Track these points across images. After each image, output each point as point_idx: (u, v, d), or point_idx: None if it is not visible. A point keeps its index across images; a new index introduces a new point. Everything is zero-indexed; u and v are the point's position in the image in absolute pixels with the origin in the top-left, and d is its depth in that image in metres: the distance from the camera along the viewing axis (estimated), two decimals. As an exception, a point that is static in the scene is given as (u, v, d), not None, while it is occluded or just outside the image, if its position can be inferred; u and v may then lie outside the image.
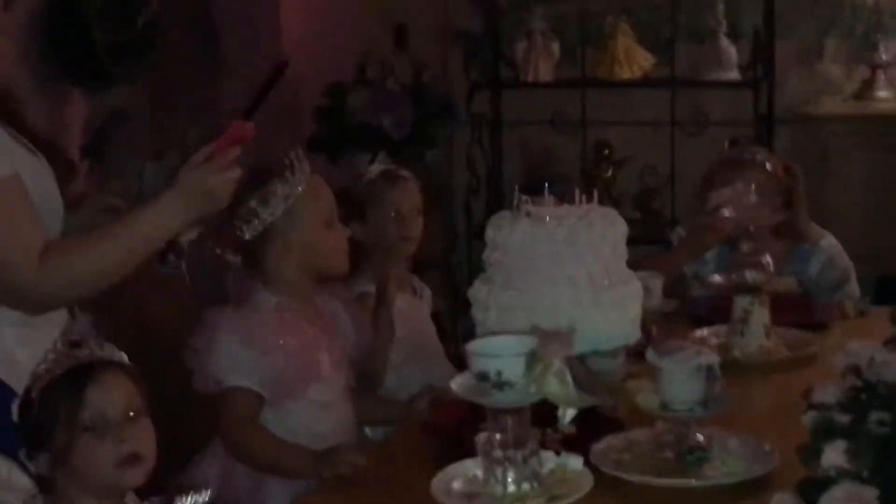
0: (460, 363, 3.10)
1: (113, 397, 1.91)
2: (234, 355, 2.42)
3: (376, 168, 3.08)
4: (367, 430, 2.76)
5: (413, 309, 2.99)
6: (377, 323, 2.79)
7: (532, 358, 1.58)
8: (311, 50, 5.09)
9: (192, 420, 2.61)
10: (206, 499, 1.11)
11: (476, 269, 5.05)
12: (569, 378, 1.59)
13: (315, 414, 2.49)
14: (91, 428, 1.89)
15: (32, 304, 2.09)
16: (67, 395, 1.88)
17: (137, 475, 1.90)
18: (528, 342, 1.60)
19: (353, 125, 5.08)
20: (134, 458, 1.91)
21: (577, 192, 2.39)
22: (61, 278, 2.07)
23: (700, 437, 2.18)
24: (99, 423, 1.89)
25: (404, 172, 3.09)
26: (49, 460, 1.88)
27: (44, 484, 1.91)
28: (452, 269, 5.17)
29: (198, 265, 2.85)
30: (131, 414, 1.93)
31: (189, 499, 1.23)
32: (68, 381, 1.89)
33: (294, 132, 5.12)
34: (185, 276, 2.78)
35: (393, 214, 2.95)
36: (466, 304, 4.64)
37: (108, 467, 1.89)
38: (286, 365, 2.44)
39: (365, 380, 2.77)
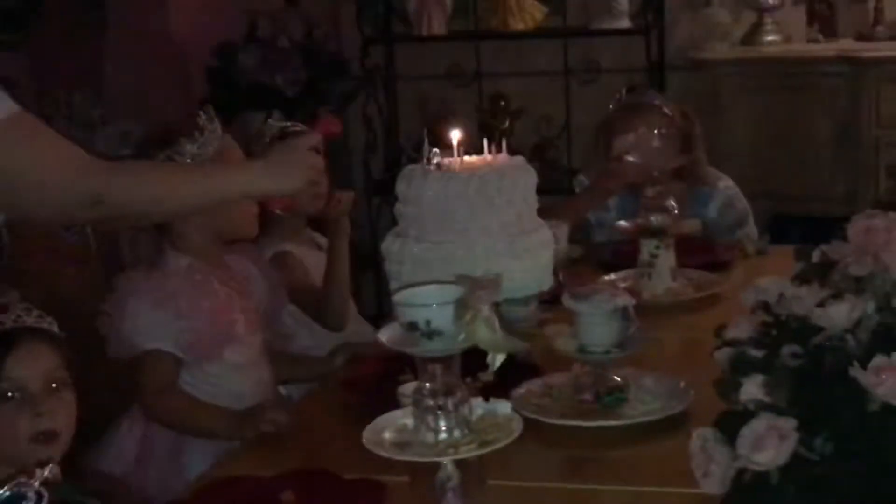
0: (370, 319, 3.14)
1: (34, 368, 1.89)
2: (148, 319, 2.39)
3: (273, 127, 3.04)
4: (282, 389, 2.76)
5: (321, 265, 2.98)
6: (333, 255, 2.80)
7: (460, 306, 1.59)
8: (199, 9, 5.03)
9: (107, 389, 2.59)
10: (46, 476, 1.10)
11: (377, 225, 5.07)
12: (497, 324, 1.61)
13: (232, 375, 2.48)
14: (10, 398, 1.86)
15: (91, 214, 2.01)
16: None
17: (51, 451, 1.87)
18: (456, 291, 1.61)
19: (244, 85, 5.03)
20: (50, 434, 1.88)
21: (485, 142, 2.40)
22: (128, 191, 2.00)
23: (617, 379, 2.22)
24: (18, 394, 1.86)
25: (302, 128, 3.07)
26: None
27: None
28: (353, 225, 5.15)
29: (105, 233, 2.82)
30: (53, 386, 1.90)
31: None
32: None
33: (185, 93, 5.05)
34: (92, 243, 2.76)
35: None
36: (367, 261, 4.65)
37: (22, 440, 1.86)
38: (200, 327, 2.42)
39: (328, 319, 2.82)
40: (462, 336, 1.60)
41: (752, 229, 3.46)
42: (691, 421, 2.08)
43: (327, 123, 2.19)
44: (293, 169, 2.09)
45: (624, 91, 3.50)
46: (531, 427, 2.12)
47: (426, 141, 2.39)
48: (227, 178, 2.17)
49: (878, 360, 1.73)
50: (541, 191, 3.76)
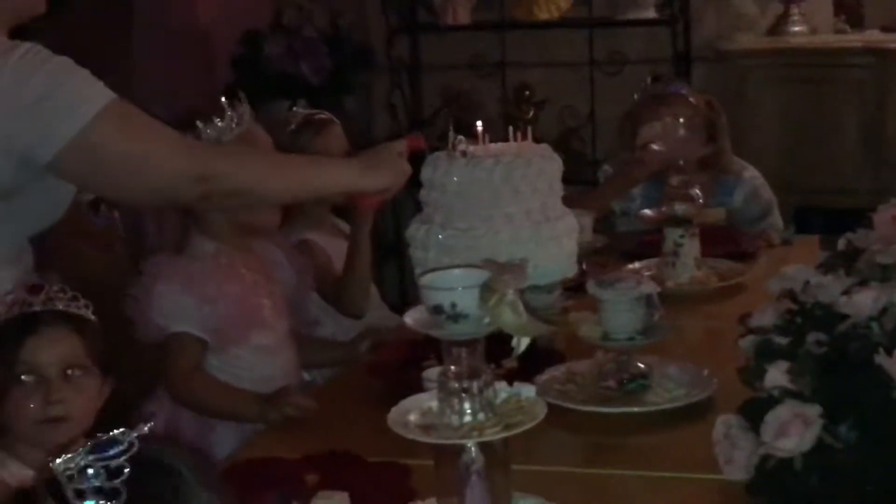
0: (393, 307, 3.15)
1: (52, 354, 1.89)
2: (175, 302, 2.41)
3: (298, 115, 3.06)
4: (306, 375, 2.77)
5: (344, 253, 2.99)
6: (354, 244, 2.82)
7: (485, 290, 1.59)
8: (224, -4, 5.05)
9: (132, 373, 2.60)
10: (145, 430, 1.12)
11: (400, 213, 5.07)
12: (521, 308, 1.61)
13: (259, 359, 2.49)
14: (22, 382, 1.86)
15: (195, 193, 2.05)
16: (6, 343, 1.86)
17: (59, 434, 1.87)
18: (482, 274, 1.61)
19: (270, 73, 5.04)
20: (59, 420, 1.89)
21: (510, 130, 2.41)
22: (231, 172, 2.06)
23: (641, 366, 2.23)
24: (31, 378, 1.87)
25: (327, 116, 3.08)
26: None
27: None
28: (376, 215, 5.16)
29: (134, 216, 2.84)
30: (69, 372, 1.90)
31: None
32: (12, 328, 1.87)
33: (211, 81, 5.07)
34: (119, 227, 2.78)
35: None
36: (391, 249, 4.65)
37: (31, 423, 1.87)
38: (227, 311, 2.43)
39: (347, 306, 2.84)
40: (487, 320, 1.60)
41: (777, 219, 3.46)
42: (715, 408, 2.09)
43: (414, 139, 2.26)
44: (385, 168, 2.18)
45: (649, 80, 3.50)
46: (555, 413, 2.11)
47: (451, 128, 2.40)
48: (326, 171, 2.25)
49: (903, 347, 1.73)
50: (564, 181, 3.75)
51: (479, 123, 2.39)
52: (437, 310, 1.62)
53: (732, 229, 3.24)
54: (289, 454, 2.03)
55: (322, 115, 3.05)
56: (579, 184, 3.90)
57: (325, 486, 1.87)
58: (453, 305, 1.60)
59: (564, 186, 3.22)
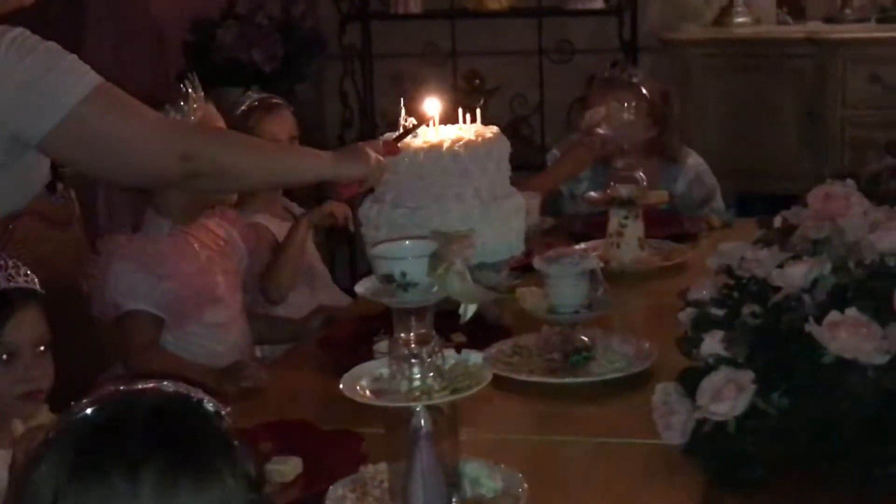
0: (345, 290, 3.21)
1: (28, 333, 1.93)
2: (131, 280, 2.46)
3: (250, 97, 3.10)
4: (259, 351, 2.82)
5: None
6: (292, 232, 2.88)
7: (434, 259, 1.66)
8: (177, -16, 5.07)
9: (87, 350, 2.65)
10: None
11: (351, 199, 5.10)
12: (468, 277, 1.68)
13: (213, 334, 2.55)
14: (5, 361, 1.90)
15: (180, 172, 2.11)
16: None
17: (31, 407, 1.92)
18: (431, 245, 1.68)
19: (222, 60, 5.07)
20: (34, 394, 1.93)
21: (461, 113, 2.48)
22: (216, 153, 2.14)
23: (585, 339, 2.30)
24: (13, 357, 1.91)
25: (277, 100, 3.12)
26: None
27: None
28: (325, 200, 5.22)
29: (88, 195, 2.88)
30: (41, 349, 1.95)
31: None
32: None
33: (162, 68, 5.09)
34: (76, 206, 2.82)
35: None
36: (341, 234, 4.72)
37: (9, 398, 1.91)
38: (182, 289, 2.49)
39: (270, 289, 2.86)
40: (436, 288, 1.67)
41: (719, 204, 3.56)
42: (655, 379, 2.15)
43: (390, 145, 2.33)
44: (360, 158, 2.26)
45: (608, 66, 3.57)
46: (502, 384, 2.22)
47: (402, 110, 2.47)
48: (303, 159, 2.34)
49: (833, 315, 1.82)
50: (514, 168, 3.85)
51: (429, 106, 2.47)
52: (387, 279, 1.68)
53: (675, 212, 3.33)
54: (243, 424, 2.08)
55: (274, 99, 3.10)
56: (529, 170, 3.98)
57: (278, 453, 1.93)
58: (403, 274, 1.66)
59: (514, 174, 3.32)
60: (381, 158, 2.29)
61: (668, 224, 3.21)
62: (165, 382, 1.19)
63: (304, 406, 2.15)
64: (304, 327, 2.72)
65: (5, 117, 1.99)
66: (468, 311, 1.70)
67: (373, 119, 5.20)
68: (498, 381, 2.22)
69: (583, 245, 3.02)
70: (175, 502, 1.10)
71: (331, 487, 1.82)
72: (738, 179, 4.44)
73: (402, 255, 1.68)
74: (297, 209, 3.17)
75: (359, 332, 2.43)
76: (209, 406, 1.19)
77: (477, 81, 5.15)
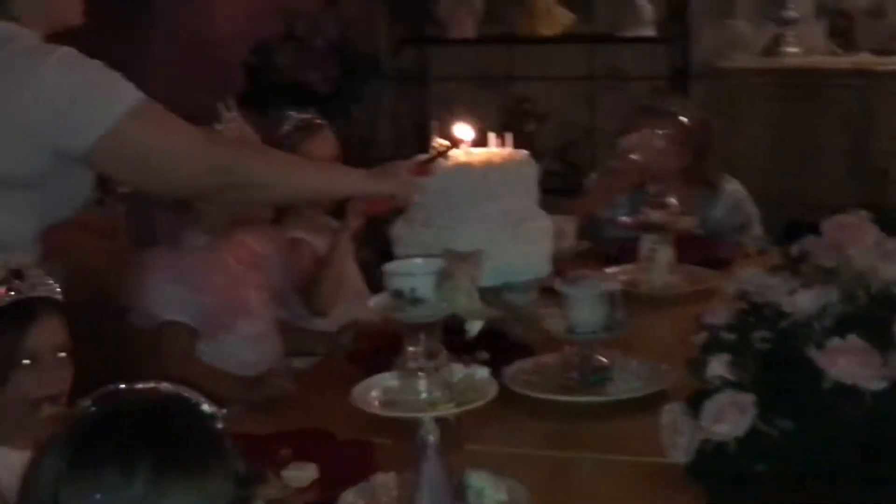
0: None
1: (50, 339, 1.99)
2: (168, 293, 2.56)
3: (293, 118, 3.17)
4: (295, 361, 2.90)
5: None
6: (335, 246, 2.94)
7: (443, 276, 1.73)
8: (239, 7, 5.19)
9: (127, 357, 2.75)
10: None
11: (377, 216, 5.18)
12: (475, 294, 1.74)
13: (246, 345, 2.64)
14: (27, 367, 1.95)
15: (218, 183, 2.21)
16: (10, 331, 1.94)
17: (52, 410, 1.96)
18: (439, 262, 1.75)
19: (280, 82, 5.19)
20: (54, 398, 1.99)
21: (492, 135, 2.55)
22: (253, 166, 2.24)
23: (603, 359, 2.36)
24: (35, 363, 1.96)
25: (319, 121, 3.19)
26: None
27: None
28: (380, 221, 5.30)
29: (134, 211, 2.99)
30: (61, 354, 2.01)
31: None
32: (11, 316, 1.94)
33: (224, 89, 5.20)
34: (122, 219, 2.92)
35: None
36: (383, 250, 4.78)
37: (28, 404, 1.96)
38: (215, 301, 2.58)
39: (313, 301, 2.93)
40: (443, 304, 1.74)
41: (757, 232, 3.58)
42: (670, 400, 2.19)
43: (424, 167, 2.41)
44: (392, 176, 2.35)
45: (648, 94, 3.63)
46: (519, 401, 2.28)
47: (434, 133, 2.54)
48: (336, 174, 2.44)
49: (834, 342, 1.86)
50: (563, 192, 3.92)
51: (460, 129, 2.54)
52: (397, 294, 1.75)
53: (710, 238, 3.37)
54: (266, 431, 2.17)
55: (315, 120, 3.17)
56: (576, 195, 4.04)
57: (296, 460, 2.01)
58: (412, 290, 1.74)
59: (562, 197, 3.37)
60: (413, 178, 2.36)
61: (703, 250, 3.24)
62: (164, 384, 1.27)
63: (325, 416, 2.22)
64: (337, 341, 2.80)
65: (51, 131, 2.09)
66: (474, 327, 1.76)
67: (424, 141, 5.27)
68: (515, 398, 2.30)
69: (614, 269, 3.06)
70: (166, 495, 1.18)
71: (342, 494, 1.88)
72: (786, 208, 4.46)
73: (411, 272, 1.76)
74: (336, 225, 3.24)
75: (385, 347, 2.49)
76: (204, 408, 1.26)
77: (527, 106, 5.21)
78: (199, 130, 2.25)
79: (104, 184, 2.94)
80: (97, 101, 2.09)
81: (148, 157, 2.14)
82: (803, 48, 4.87)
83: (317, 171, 2.46)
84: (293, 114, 3.17)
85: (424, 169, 2.42)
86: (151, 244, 2.71)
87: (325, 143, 3.11)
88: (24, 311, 1.97)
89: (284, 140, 2.99)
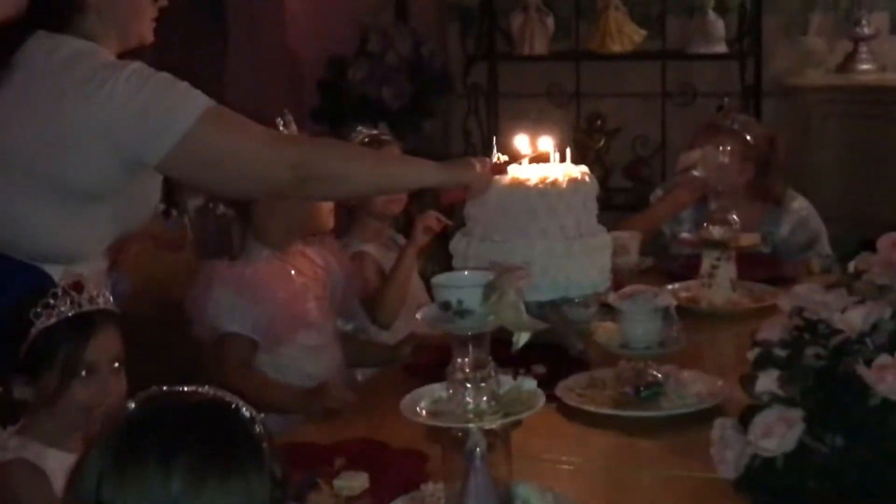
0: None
1: (108, 350, 2.05)
2: (229, 304, 2.61)
3: (360, 133, 3.20)
4: (359, 375, 2.95)
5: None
6: (400, 259, 2.99)
7: (489, 288, 1.75)
8: (313, 23, 5.26)
9: (189, 368, 2.80)
10: None
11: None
12: (522, 307, 1.76)
13: (305, 357, 2.68)
14: (85, 377, 2.02)
15: (292, 178, 2.25)
16: (70, 343, 2.01)
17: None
18: (486, 275, 1.78)
19: (353, 97, 5.25)
20: (110, 406, 2.03)
21: (551, 151, 2.57)
22: (326, 159, 2.30)
23: (657, 374, 2.36)
24: (92, 373, 2.03)
25: (385, 136, 3.23)
26: (33, 394, 2.01)
27: (13, 407, 2.02)
28: (449, 235, 5.32)
29: (200, 224, 3.05)
30: (116, 365, 2.07)
31: None
32: (72, 328, 2.01)
33: (297, 103, 5.28)
34: (189, 232, 2.99)
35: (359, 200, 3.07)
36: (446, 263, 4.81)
37: (84, 413, 2.02)
38: (276, 313, 2.62)
39: (379, 315, 2.99)
40: (490, 316, 1.76)
41: (824, 249, 3.55)
42: (723, 415, 2.20)
43: (499, 166, 2.47)
44: (463, 165, 2.43)
45: (714, 110, 3.63)
46: (573, 415, 2.30)
47: (495, 147, 2.57)
48: (409, 165, 2.53)
49: (882, 358, 1.86)
50: (633, 208, 3.91)
51: (522, 143, 2.56)
52: (445, 306, 1.78)
53: (774, 255, 3.35)
54: (323, 440, 2.21)
55: (382, 135, 3.22)
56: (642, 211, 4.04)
57: (349, 469, 2.04)
58: (460, 302, 1.76)
59: (632, 213, 3.36)
60: (487, 170, 2.40)
61: (767, 267, 3.23)
62: (206, 388, 1.32)
63: (380, 426, 2.25)
64: (396, 352, 2.83)
65: (126, 142, 2.17)
66: (521, 339, 1.78)
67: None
68: (569, 412, 2.31)
69: (676, 285, 3.06)
70: (203, 492, 1.22)
71: (392, 503, 1.91)
72: (858, 227, 4.41)
73: (458, 284, 1.78)
74: (402, 240, 3.28)
75: (441, 360, 2.52)
76: (244, 412, 1.30)
77: (598, 122, 5.22)
78: (269, 130, 2.32)
79: (170, 196, 3.02)
80: (170, 108, 2.16)
81: (223, 159, 2.21)
82: (877, 64, 4.82)
83: (392, 163, 2.55)
84: (362, 129, 3.21)
85: (500, 167, 2.45)
86: (215, 256, 2.76)
87: None
88: (84, 324, 2.03)
89: None
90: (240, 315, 2.59)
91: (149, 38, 2.37)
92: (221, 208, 2.70)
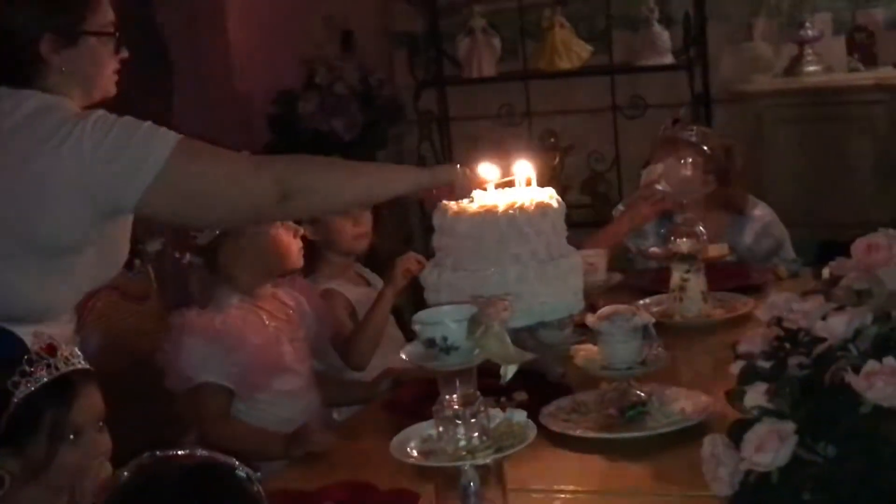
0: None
1: (92, 409, 2.01)
2: (202, 354, 2.57)
3: None
4: (335, 414, 2.91)
5: (368, 300, 3.11)
6: (377, 301, 2.95)
7: (473, 323, 1.73)
8: (259, 59, 5.24)
9: (164, 420, 2.76)
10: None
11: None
12: (507, 338, 1.75)
13: (282, 401, 2.65)
14: (73, 440, 1.97)
15: (276, 197, 2.22)
16: (54, 408, 1.96)
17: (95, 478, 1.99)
18: (469, 309, 1.76)
19: (304, 130, 5.22)
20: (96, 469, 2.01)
21: (516, 175, 2.55)
22: (308, 176, 2.26)
23: (641, 394, 2.35)
24: (79, 435, 1.98)
25: None
26: (19, 465, 1.94)
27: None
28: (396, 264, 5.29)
29: (163, 272, 3.01)
30: (101, 424, 2.03)
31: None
32: (54, 392, 1.96)
33: (249, 140, 5.25)
34: (152, 280, 2.95)
35: (343, 213, 3.05)
36: (421, 298, 4.80)
37: (75, 475, 1.98)
38: (249, 360, 2.59)
39: (352, 357, 2.95)
40: (476, 350, 1.74)
41: (788, 254, 3.56)
42: (710, 432, 2.17)
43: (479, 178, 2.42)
44: (444, 167, 2.43)
45: (669, 122, 3.63)
46: (559, 441, 2.27)
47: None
48: (391, 173, 2.49)
49: (870, 365, 1.85)
50: (593, 224, 3.90)
51: (486, 171, 2.54)
52: (430, 343, 1.76)
53: (741, 264, 3.36)
54: (309, 486, 2.17)
55: None
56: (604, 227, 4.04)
57: (339, 514, 2.01)
58: (444, 338, 1.74)
59: (593, 230, 3.35)
60: (468, 170, 2.38)
61: (735, 276, 3.24)
62: (200, 450, 1.28)
63: (366, 467, 2.22)
64: (373, 389, 2.80)
65: (101, 189, 2.14)
66: (508, 371, 1.76)
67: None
68: (555, 438, 2.29)
69: (647, 300, 3.06)
70: None
71: (387, 545, 1.89)
72: (816, 228, 4.45)
73: (441, 320, 1.76)
74: (369, 274, 3.25)
75: (422, 395, 2.50)
76: (240, 471, 1.27)
77: (552, 140, 5.22)
78: (243, 154, 2.29)
79: (131, 246, 2.97)
80: (140, 147, 2.14)
81: (203, 187, 2.18)
82: (824, 66, 4.86)
83: (374, 169, 2.52)
84: None
85: (479, 180, 2.42)
86: (182, 305, 2.72)
87: None
88: (66, 387, 1.98)
89: None
90: (214, 364, 2.56)
91: (111, 91, 2.35)
92: (188, 257, 2.65)
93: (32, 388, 1.94)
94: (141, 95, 4.88)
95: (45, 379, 1.95)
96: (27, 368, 1.95)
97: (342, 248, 3.07)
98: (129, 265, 2.94)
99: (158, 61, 5.01)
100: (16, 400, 1.94)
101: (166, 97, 5.04)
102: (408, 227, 5.50)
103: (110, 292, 2.80)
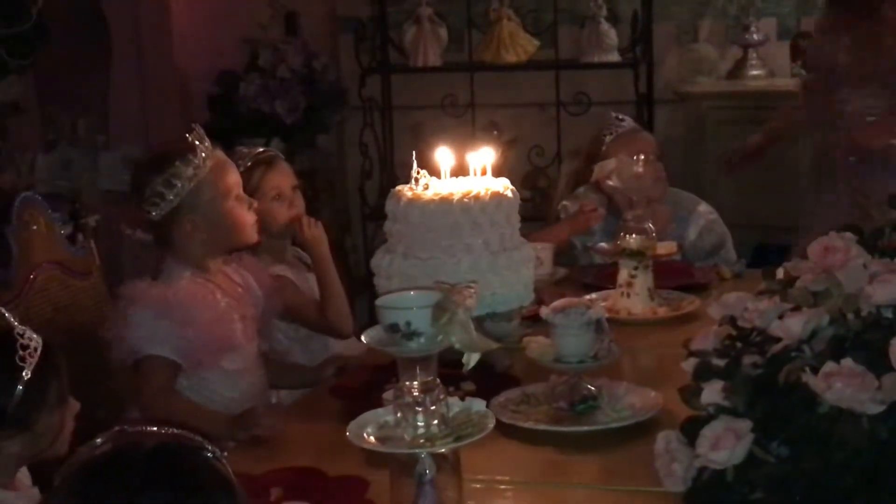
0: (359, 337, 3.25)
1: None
2: (149, 326, 2.51)
3: (245, 153, 3.08)
4: (273, 397, 2.87)
5: (307, 283, 3.08)
6: (318, 264, 2.92)
7: (438, 309, 1.71)
8: (201, 38, 5.17)
9: (108, 396, 2.72)
10: None
11: (371, 250, 5.19)
12: (471, 326, 1.73)
13: (229, 381, 2.60)
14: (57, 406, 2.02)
15: None
16: (55, 378, 2.02)
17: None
18: (434, 295, 1.74)
19: (245, 112, 5.16)
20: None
21: (471, 165, 2.53)
22: None
23: (591, 388, 2.34)
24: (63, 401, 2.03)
25: (273, 152, 3.15)
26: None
27: None
28: (346, 251, 5.28)
29: (109, 245, 2.95)
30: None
31: None
32: (48, 363, 2.01)
33: (187, 120, 5.17)
34: (95, 255, 2.89)
35: (276, 195, 3.01)
36: (361, 285, 4.78)
37: (58, 432, 2.03)
38: (199, 336, 2.53)
39: (334, 323, 2.92)
40: (440, 337, 1.72)
41: (730, 253, 3.59)
42: (660, 428, 2.18)
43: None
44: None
45: (614, 118, 3.63)
46: (509, 432, 2.26)
47: (415, 163, 2.53)
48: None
49: (829, 366, 1.86)
50: (532, 219, 3.89)
51: (441, 158, 2.52)
52: (392, 328, 1.73)
53: (686, 263, 3.37)
54: (255, 471, 2.13)
55: (269, 152, 3.13)
56: (546, 221, 4.04)
57: (288, 499, 1.98)
58: (408, 324, 1.72)
59: (531, 224, 3.34)
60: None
61: (679, 275, 3.25)
62: (167, 428, 1.25)
63: (315, 452, 2.20)
64: (318, 375, 2.77)
65: None
66: (471, 359, 1.75)
67: (392, 170, 5.27)
68: (505, 429, 2.28)
69: (594, 295, 3.05)
70: None
71: (337, 532, 1.86)
72: (753, 231, 4.48)
73: (406, 306, 1.74)
74: (305, 256, 3.21)
75: (370, 381, 2.48)
76: (208, 450, 1.24)
77: (495, 132, 5.21)
78: None
79: (74, 219, 2.91)
80: None
81: None
82: (767, 71, 4.90)
83: None
84: (242, 148, 3.12)
85: None
86: (123, 280, 2.66)
87: (286, 173, 3.07)
88: (51, 356, 2.02)
89: (247, 177, 2.88)
90: (161, 337, 2.50)
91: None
92: (139, 233, 2.60)
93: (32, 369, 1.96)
94: (78, 70, 4.84)
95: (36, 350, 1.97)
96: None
97: (275, 231, 3.00)
98: (71, 239, 2.89)
99: (96, 36, 4.92)
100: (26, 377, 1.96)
101: (104, 72, 4.96)
102: (345, 214, 5.47)
103: (52, 267, 2.74)
